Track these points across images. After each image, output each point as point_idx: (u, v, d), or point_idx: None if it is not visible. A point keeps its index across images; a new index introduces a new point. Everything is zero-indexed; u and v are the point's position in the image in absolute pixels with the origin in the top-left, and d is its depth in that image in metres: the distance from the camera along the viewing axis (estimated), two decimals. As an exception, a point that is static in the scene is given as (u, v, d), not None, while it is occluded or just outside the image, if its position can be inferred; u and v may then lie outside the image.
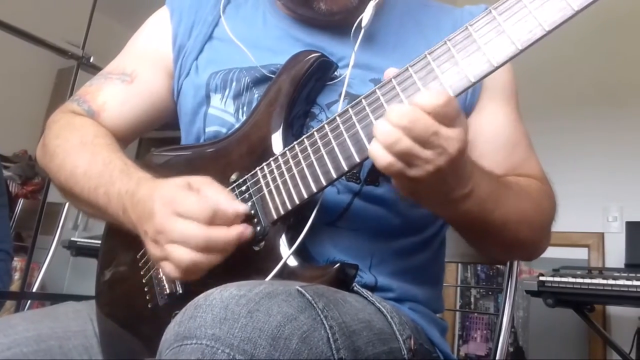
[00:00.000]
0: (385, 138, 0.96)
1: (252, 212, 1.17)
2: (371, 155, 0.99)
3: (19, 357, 1.24)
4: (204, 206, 1.04)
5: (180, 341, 0.81)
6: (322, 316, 0.88)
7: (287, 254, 1.13)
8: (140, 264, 1.31)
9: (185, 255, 1.04)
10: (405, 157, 0.96)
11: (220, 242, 1.04)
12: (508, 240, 1.27)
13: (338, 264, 1.09)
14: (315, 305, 0.89)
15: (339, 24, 1.36)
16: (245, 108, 1.37)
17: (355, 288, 1.15)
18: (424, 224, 1.40)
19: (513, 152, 1.40)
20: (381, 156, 0.97)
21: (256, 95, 1.36)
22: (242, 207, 1.09)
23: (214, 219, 1.05)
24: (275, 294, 0.86)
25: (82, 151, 1.36)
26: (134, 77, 1.52)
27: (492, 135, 1.37)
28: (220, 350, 0.78)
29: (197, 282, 1.06)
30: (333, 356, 0.86)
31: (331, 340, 0.87)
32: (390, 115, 0.96)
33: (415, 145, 0.95)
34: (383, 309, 1.14)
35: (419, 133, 0.94)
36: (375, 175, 1.29)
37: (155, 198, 1.10)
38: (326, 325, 0.87)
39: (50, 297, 4.01)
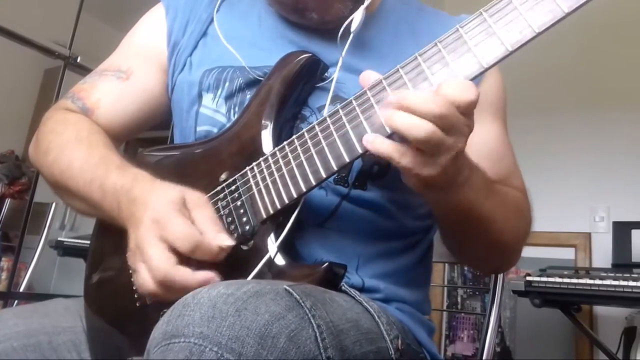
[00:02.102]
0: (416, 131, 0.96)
1: (242, 211, 1.18)
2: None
3: (9, 351, 1.25)
4: (188, 235, 1.04)
5: (168, 339, 0.81)
6: (309, 315, 0.88)
7: (274, 250, 1.13)
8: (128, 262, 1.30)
9: (148, 283, 1.04)
10: (434, 148, 0.98)
11: (178, 285, 1.02)
12: (492, 239, 1.27)
13: (326, 263, 1.08)
14: (303, 304, 0.89)
15: (335, 28, 1.36)
16: (237, 109, 1.37)
17: (343, 288, 1.15)
18: (411, 227, 1.40)
19: (499, 164, 1.40)
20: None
21: (248, 97, 1.36)
22: (227, 242, 1.07)
23: (196, 251, 1.04)
24: (263, 293, 0.86)
25: (78, 146, 1.35)
26: (129, 73, 1.52)
27: (478, 147, 1.37)
28: (208, 349, 0.78)
29: None
30: (321, 355, 0.86)
31: (319, 339, 0.86)
32: (418, 104, 0.96)
33: (442, 135, 0.96)
34: (370, 309, 1.14)
35: (448, 123, 0.96)
36: (364, 179, 1.30)
37: (148, 208, 1.09)
38: (314, 324, 0.87)
39: (37, 297, 4.01)
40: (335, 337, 0.91)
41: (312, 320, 0.87)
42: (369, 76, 1.07)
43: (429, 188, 1.06)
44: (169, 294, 1.01)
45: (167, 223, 1.05)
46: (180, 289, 0.99)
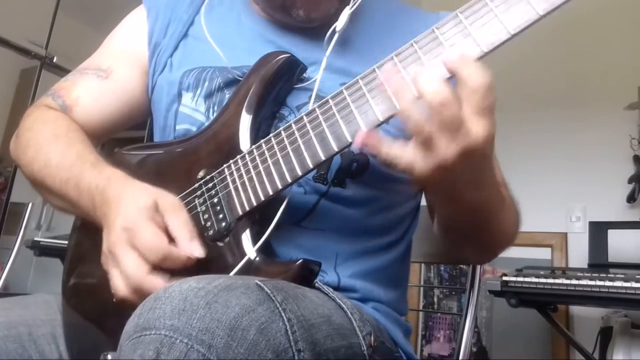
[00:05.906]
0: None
1: (218, 207, 1.19)
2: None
3: None
4: (157, 246, 1.06)
5: (140, 332, 0.82)
6: (280, 309, 0.88)
7: (250, 249, 1.14)
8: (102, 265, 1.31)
9: (120, 288, 1.07)
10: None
11: (150, 293, 0.99)
12: (494, 230, 1.24)
13: (301, 260, 1.10)
14: (273, 298, 0.89)
15: (315, 28, 1.37)
16: (216, 107, 1.38)
17: (316, 285, 1.16)
18: (390, 225, 1.41)
19: None
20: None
21: (227, 96, 1.37)
22: (197, 252, 1.08)
23: (165, 261, 1.06)
24: (234, 287, 0.87)
25: (55, 143, 1.37)
26: (109, 72, 1.53)
27: None
28: (178, 341, 0.78)
29: None
30: (291, 347, 0.86)
31: (289, 332, 0.87)
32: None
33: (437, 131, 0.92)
34: (344, 305, 1.15)
35: (445, 120, 0.91)
36: (342, 177, 1.31)
37: (119, 214, 1.11)
38: (284, 318, 0.88)
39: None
40: (306, 330, 0.92)
41: (283, 314, 0.88)
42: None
43: (436, 185, 1.04)
44: (142, 300, 1.02)
45: (136, 232, 1.07)
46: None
